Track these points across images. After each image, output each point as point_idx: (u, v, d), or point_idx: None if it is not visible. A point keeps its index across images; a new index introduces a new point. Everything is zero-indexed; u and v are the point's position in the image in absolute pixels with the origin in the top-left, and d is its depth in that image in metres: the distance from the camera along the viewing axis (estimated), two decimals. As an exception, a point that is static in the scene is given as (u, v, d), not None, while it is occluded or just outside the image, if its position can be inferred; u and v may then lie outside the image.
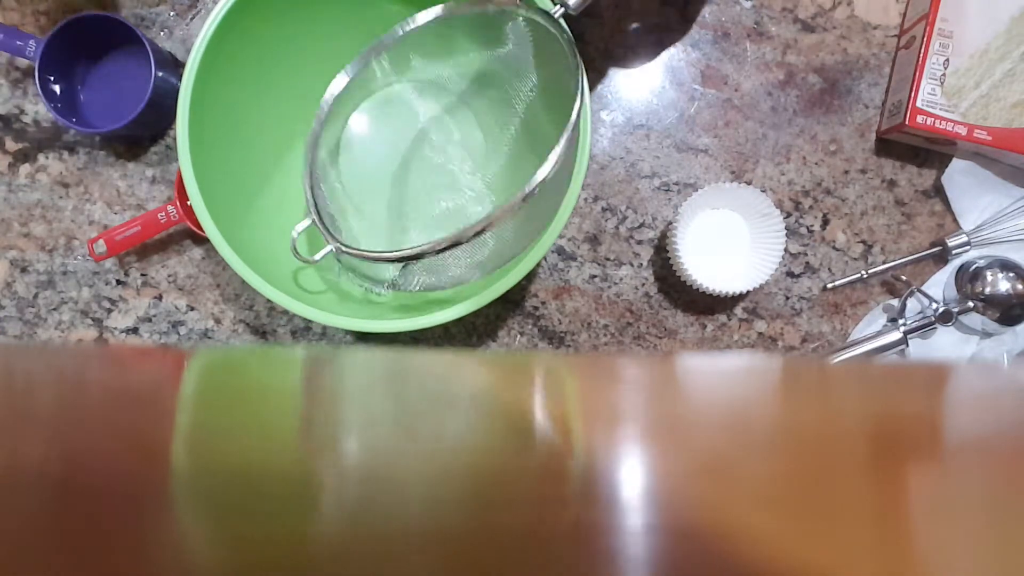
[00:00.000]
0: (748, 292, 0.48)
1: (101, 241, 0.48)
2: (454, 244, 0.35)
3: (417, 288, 0.41)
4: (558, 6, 0.38)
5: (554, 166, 0.35)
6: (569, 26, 0.41)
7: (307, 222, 0.40)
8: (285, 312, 0.52)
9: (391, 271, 0.40)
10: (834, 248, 0.51)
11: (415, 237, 0.47)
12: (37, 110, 0.51)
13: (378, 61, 0.42)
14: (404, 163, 0.49)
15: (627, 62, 0.51)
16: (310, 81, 0.44)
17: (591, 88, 0.51)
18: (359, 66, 0.42)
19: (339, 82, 0.42)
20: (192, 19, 0.51)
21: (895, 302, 0.51)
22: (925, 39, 0.47)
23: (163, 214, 0.48)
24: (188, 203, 0.49)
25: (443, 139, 0.48)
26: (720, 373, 0.15)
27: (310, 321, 0.52)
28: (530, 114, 0.43)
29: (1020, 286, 0.47)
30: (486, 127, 0.48)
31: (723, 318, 0.51)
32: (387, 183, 0.48)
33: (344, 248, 0.39)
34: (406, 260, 0.37)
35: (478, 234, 0.35)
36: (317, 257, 0.40)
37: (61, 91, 0.48)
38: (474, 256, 0.38)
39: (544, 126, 0.42)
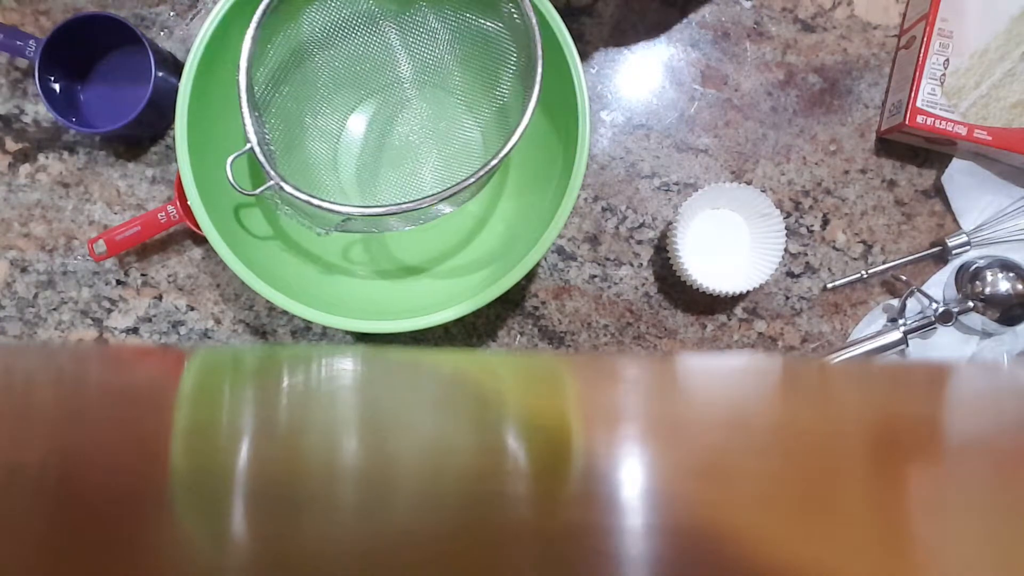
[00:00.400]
0: (748, 292, 0.48)
1: (101, 241, 0.48)
2: (389, 214, 0.37)
3: (357, 232, 0.41)
4: None
5: (523, 128, 0.36)
6: (569, 26, 0.41)
7: (245, 149, 0.38)
8: (285, 312, 0.52)
9: (334, 217, 0.39)
10: (834, 248, 0.51)
11: (365, 187, 0.47)
12: (37, 110, 0.51)
13: None
14: (367, 112, 0.48)
15: (627, 62, 0.51)
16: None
17: (591, 88, 0.51)
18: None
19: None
20: (192, 19, 0.51)
21: (895, 302, 0.51)
22: (925, 39, 0.47)
23: (163, 214, 0.48)
24: (188, 203, 0.49)
25: (421, 110, 0.48)
26: (720, 373, 0.15)
27: (310, 321, 0.52)
28: (503, 91, 0.43)
29: (1020, 286, 0.47)
30: (457, 100, 0.47)
31: (723, 318, 0.51)
32: (348, 129, 0.48)
33: (283, 187, 0.37)
34: (345, 216, 0.37)
35: (414, 210, 0.37)
36: (257, 191, 0.38)
37: (61, 91, 0.48)
38: (413, 219, 0.39)
39: (513, 105, 0.42)
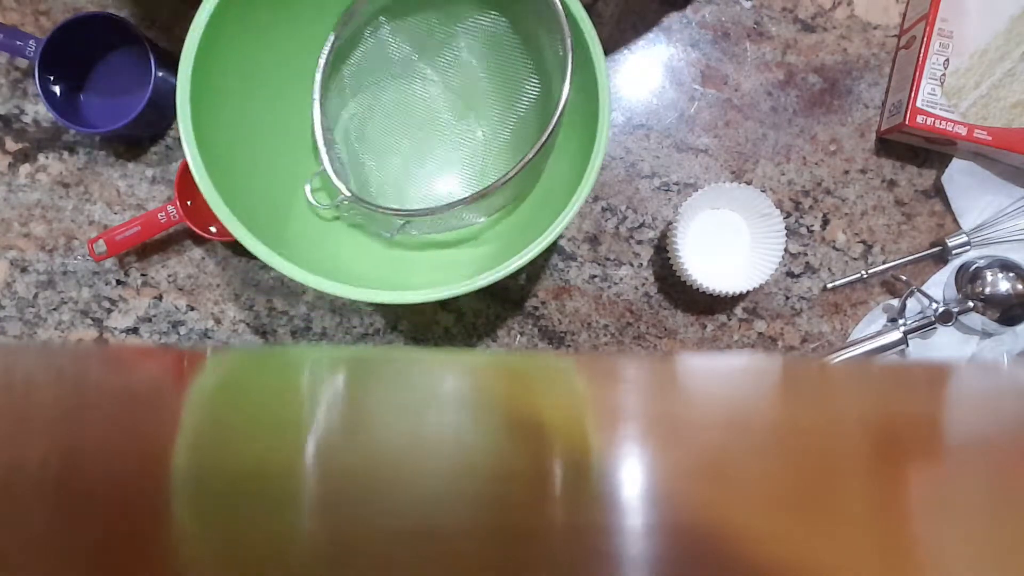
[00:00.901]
0: (748, 292, 0.48)
1: (101, 241, 0.48)
2: (451, 206, 0.41)
3: (420, 233, 0.46)
4: None
5: (549, 135, 0.39)
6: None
7: (319, 171, 0.44)
8: (285, 312, 0.52)
9: (397, 221, 0.44)
10: (834, 248, 0.51)
11: (419, 191, 0.50)
12: (37, 110, 0.51)
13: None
14: (416, 118, 0.50)
15: (627, 62, 0.51)
16: (308, 63, 0.45)
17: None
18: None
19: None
20: (192, 19, 0.51)
21: (895, 302, 0.51)
22: (925, 39, 0.47)
23: (163, 214, 0.48)
24: (188, 203, 0.49)
25: (453, 114, 0.50)
26: (720, 373, 0.15)
27: (310, 321, 0.52)
28: (538, 84, 0.45)
29: (1020, 286, 0.47)
30: (497, 92, 0.49)
31: (723, 318, 0.51)
32: (398, 137, 0.50)
33: (353, 198, 0.43)
34: (409, 217, 0.43)
35: (475, 200, 0.41)
36: (331, 204, 0.45)
37: (61, 91, 0.48)
38: (472, 213, 0.44)
39: (544, 97, 0.44)
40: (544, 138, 0.39)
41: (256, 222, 0.41)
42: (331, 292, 0.40)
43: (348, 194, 0.44)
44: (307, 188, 0.45)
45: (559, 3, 0.38)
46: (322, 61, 0.44)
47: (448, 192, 0.49)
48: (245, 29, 0.42)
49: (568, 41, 0.38)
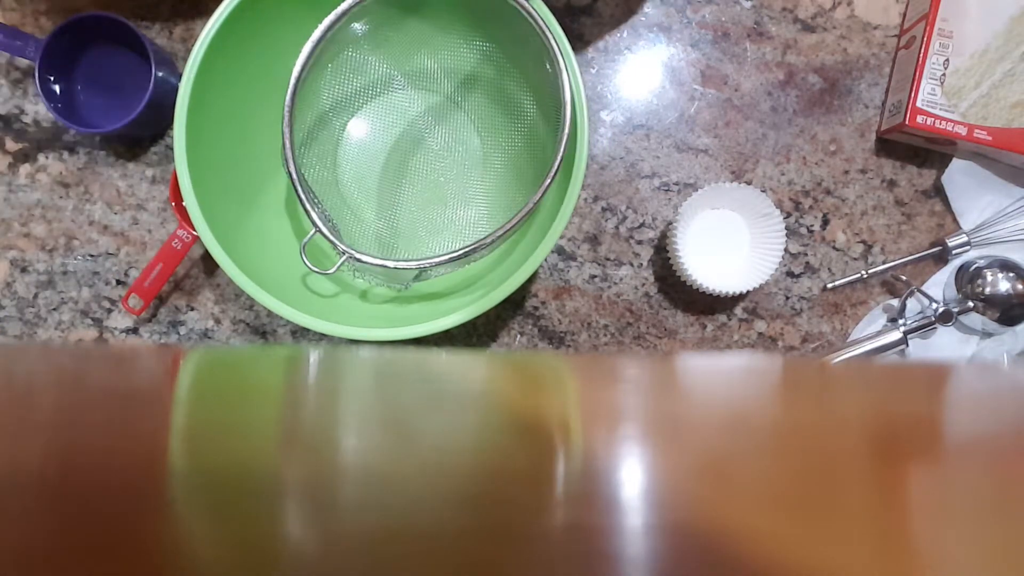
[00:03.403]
0: (748, 292, 0.48)
1: (133, 296, 0.48)
2: (471, 251, 0.38)
3: (432, 278, 0.42)
4: None
5: (555, 172, 0.36)
6: (569, 26, 0.41)
7: (311, 235, 0.40)
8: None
9: (409, 273, 0.40)
10: (834, 248, 0.51)
11: (423, 241, 0.48)
12: (37, 110, 0.51)
13: (348, 27, 0.40)
14: (400, 164, 0.49)
15: (627, 62, 0.51)
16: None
17: (591, 88, 0.51)
18: (325, 31, 0.39)
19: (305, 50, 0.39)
20: (192, 19, 0.51)
21: (895, 302, 0.51)
22: (925, 39, 0.47)
23: (176, 241, 0.48)
24: (183, 204, 0.49)
25: (439, 142, 0.48)
26: (720, 373, 0.15)
27: (313, 330, 0.52)
28: (522, 109, 0.43)
29: (1020, 286, 0.47)
30: (482, 128, 0.48)
31: (723, 318, 0.51)
32: (385, 184, 0.49)
33: (357, 256, 0.39)
34: (423, 269, 0.39)
35: (495, 241, 0.38)
36: (332, 269, 0.40)
37: (61, 91, 0.48)
38: (472, 259, 0.40)
39: (535, 118, 0.42)
40: (550, 178, 0.37)
41: (256, 271, 0.41)
42: (333, 333, 0.40)
43: (346, 250, 0.39)
44: (301, 250, 0.40)
45: (543, 23, 0.37)
46: (286, 111, 0.38)
47: (463, 223, 0.48)
48: (254, 43, 0.42)
49: (563, 73, 0.36)
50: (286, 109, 0.38)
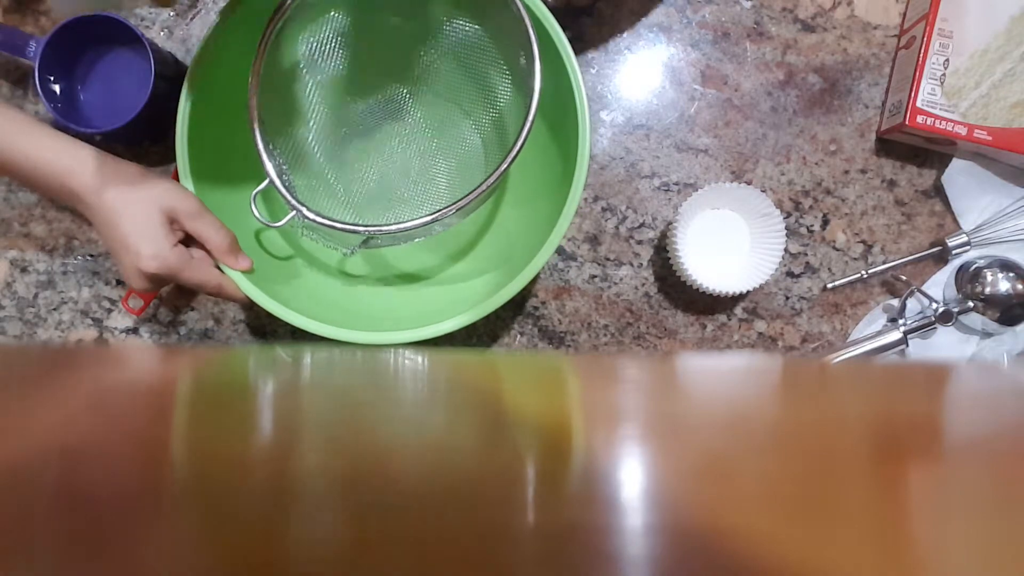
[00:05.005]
0: (748, 292, 0.48)
1: (133, 296, 0.49)
2: (416, 227, 0.38)
3: (380, 246, 0.42)
4: None
5: (511, 159, 0.37)
6: (569, 26, 0.41)
7: (264, 184, 0.39)
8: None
9: (356, 238, 0.40)
10: (834, 248, 0.51)
11: (382, 207, 0.47)
12: (37, 110, 0.51)
13: None
14: (368, 133, 0.48)
15: (627, 62, 0.51)
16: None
17: (591, 88, 0.51)
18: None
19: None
20: (192, 19, 0.51)
21: (895, 302, 0.51)
22: (925, 39, 0.47)
23: None
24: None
25: (413, 117, 0.48)
26: (720, 373, 0.15)
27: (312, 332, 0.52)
28: (496, 94, 0.43)
29: (1020, 286, 0.47)
30: (455, 108, 0.47)
31: (723, 318, 0.51)
32: (350, 150, 0.48)
33: (307, 215, 0.39)
34: (370, 234, 0.39)
35: (436, 220, 0.38)
36: (281, 223, 0.39)
37: (61, 91, 0.48)
38: (428, 230, 0.40)
39: (508, 104, 0.42)
40: (507, 163, 0.37)
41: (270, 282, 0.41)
42: (330, 336, 0.41)
43: (296, 207, 0.39)
44: (252, 199, 0.40)
45: (525, 15, 0.37)
46: (262, 45, 0.39)
47: (421, 200, 0.47)
48: (253, 44, 0.42)
49: (536, 61, 0.37)
50: (259, 47, 0.38)
